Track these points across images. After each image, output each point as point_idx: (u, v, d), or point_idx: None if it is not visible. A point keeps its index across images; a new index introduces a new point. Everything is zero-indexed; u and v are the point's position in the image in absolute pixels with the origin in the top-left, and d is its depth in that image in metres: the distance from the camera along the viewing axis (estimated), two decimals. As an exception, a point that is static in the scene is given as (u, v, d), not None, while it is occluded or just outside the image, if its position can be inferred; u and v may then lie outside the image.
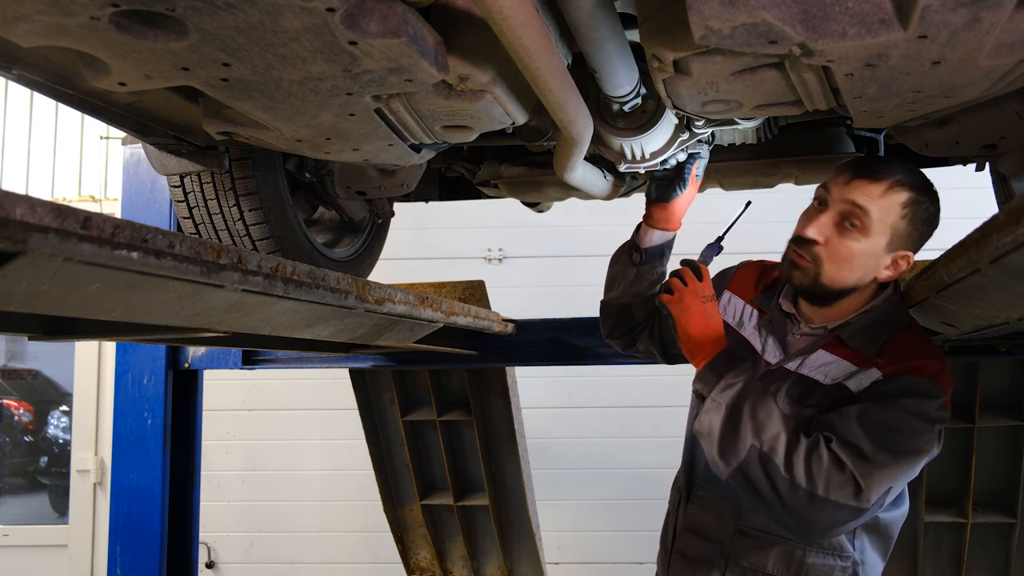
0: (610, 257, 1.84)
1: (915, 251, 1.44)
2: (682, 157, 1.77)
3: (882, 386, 1.36)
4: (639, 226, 1.80)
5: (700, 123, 1.88)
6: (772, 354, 1.52)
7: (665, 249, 1.78)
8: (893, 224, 1.39)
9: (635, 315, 1.79)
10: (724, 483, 1.44)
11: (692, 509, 1.58)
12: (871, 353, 1.40)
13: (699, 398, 1.49)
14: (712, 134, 2.00)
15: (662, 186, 1.72)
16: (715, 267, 1.69)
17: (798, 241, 1.44)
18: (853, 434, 1.31)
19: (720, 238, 1.69)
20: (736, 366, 1.43)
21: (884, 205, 1.38)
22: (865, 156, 1.49)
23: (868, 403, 1.34)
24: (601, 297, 1.86)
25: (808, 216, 1.45)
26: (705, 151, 1.74)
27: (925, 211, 1.41)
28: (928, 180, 1.46)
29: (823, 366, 1.44)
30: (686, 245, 4.94)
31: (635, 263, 1.76)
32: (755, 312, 1.61)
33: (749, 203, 1.74)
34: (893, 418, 1.32)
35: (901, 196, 1.39)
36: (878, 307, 1.46)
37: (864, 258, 1.40)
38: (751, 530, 1.50)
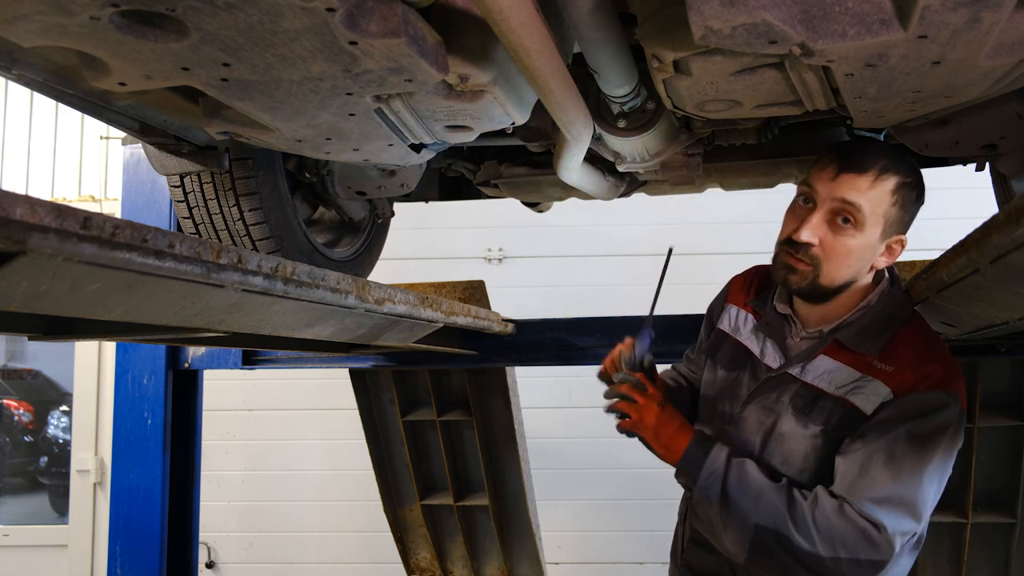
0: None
1: (906, 232, 1.42)
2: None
3: (892, 409, 1.33)
4: None
5: (700, 123, 1.89)
6: (772, 358, 1.50)
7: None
8: (885, 213, 1.36)
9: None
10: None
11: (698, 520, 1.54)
12: (873, 354, 1.38)
13: (687, 489, 1.48)
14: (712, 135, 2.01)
15: None
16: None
17: (792, 245, 1.38)
18: (872, 478, 1.30)
19: (649, 323, 1.54)
20: (709, 450, 1.41)
21: (874, 197, 1.35)
22: (843, 145, 1.45)
23: (881, 439, 1.32)
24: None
25: (796, 216, 1.40)
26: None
27: (912, 191, 1.39)
28: (903, 154, 1.43)
29: (826, 373, 1.41)
30: (688, 243, 4.92)
31: None
32: (749, 316, 1.58)
33: (671, 249, 1.62)
34: (911, 448, 1.31)
35: (889, 183, 1.35)
36: (875, 303, 1.44)
37: (861, 252, 1.38)
38: None
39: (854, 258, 1.38)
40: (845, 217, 1.35)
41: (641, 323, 1.55)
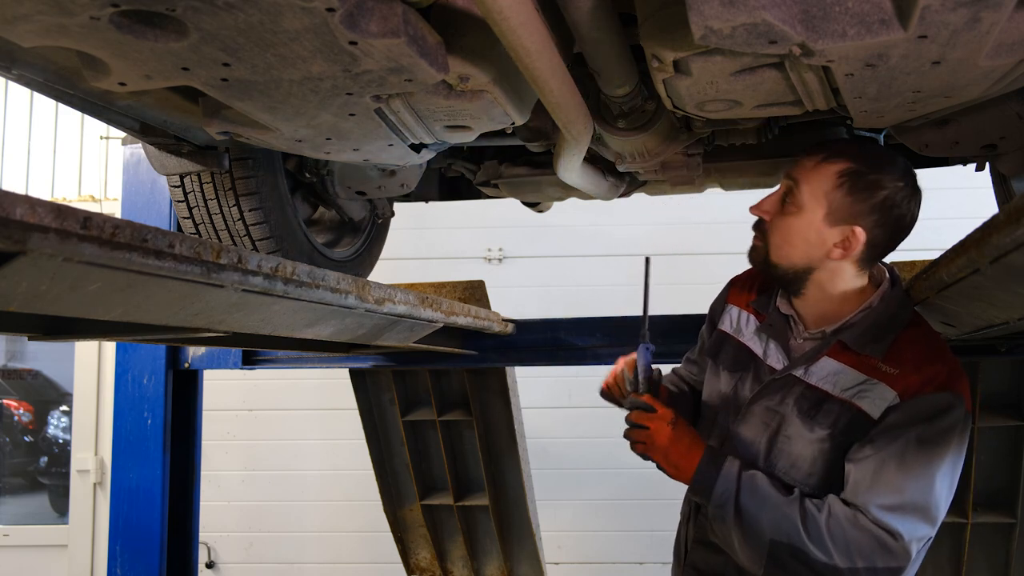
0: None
1: (869, 226, 1.36)
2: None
3: (900, 414, 1.33)
4: None
5: (700, 123, 1.89)
6: (775, 359, 1.49)
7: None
8: (827, 194, 1.36)
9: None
10: None
11: (704, 521, 1.53)
12: (878, 355, 1.38)
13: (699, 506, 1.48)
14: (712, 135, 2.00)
15: None
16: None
17: (754, 225, 1.49)
18: (885, 485, 1.30)
19: (646, 337, 1.55)
20: (720, 466, 1.40)
21: (816, 176, 1.38)
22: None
23: (891, 445, 1.32)
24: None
25: None
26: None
27: (868, 181, 1.35)
28: (881, 152, 1.43)
29: (831, 375, 1.40)
30: (688, 243, 4.91)
31: None
32: (752, 317, 1.58)
33: (648, 259, 1.66)
34: (921, 452, 1.31)
35: (835, 166, 1.37)
36: (877, 305, 1.43)
37: (803, 232, 1.39)
38: None
39: (796, 237, 1.40)
40: (789, 196, 1.42)
41: (640, 327, 1.55)
